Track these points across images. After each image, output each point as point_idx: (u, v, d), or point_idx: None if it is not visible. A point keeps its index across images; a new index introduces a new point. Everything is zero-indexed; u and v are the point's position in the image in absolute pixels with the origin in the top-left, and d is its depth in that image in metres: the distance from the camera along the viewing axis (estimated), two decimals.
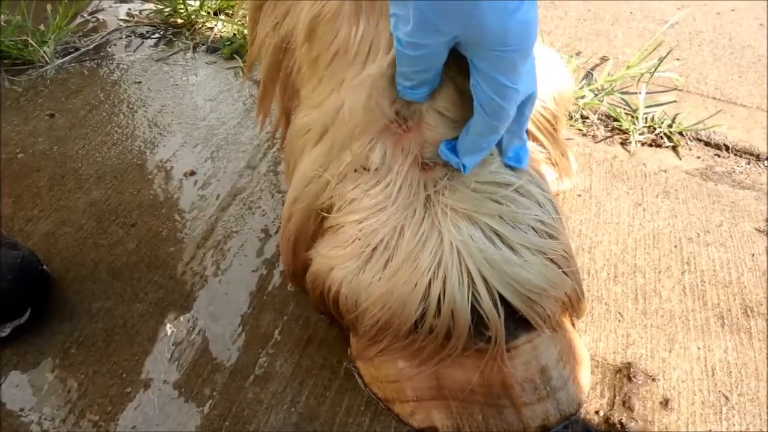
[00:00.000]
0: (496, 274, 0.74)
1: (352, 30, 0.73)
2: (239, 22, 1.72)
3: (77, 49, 1.66)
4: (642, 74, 1.47)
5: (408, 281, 0.74)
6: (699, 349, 0.94)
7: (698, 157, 1.31)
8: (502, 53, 0.67)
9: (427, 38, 0.66)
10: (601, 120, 1.39)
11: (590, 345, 0.94)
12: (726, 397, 0.88)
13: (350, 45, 0.74)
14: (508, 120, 0.73)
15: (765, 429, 0.85)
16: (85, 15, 1.83)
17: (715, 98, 1.47)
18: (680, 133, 1.35)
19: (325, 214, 0.82)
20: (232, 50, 1.63)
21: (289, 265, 0.92)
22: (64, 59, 1.62)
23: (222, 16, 1.79)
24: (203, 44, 1.69)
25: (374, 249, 0.76)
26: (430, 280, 0.73)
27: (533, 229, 0.78)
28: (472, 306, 0.74)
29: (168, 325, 0.97)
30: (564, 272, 0.79)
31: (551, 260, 0.78)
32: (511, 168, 0.80)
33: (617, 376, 0.90)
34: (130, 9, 1.86)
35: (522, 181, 0.79)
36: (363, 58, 0.74)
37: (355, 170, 0.78)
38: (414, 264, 0.74)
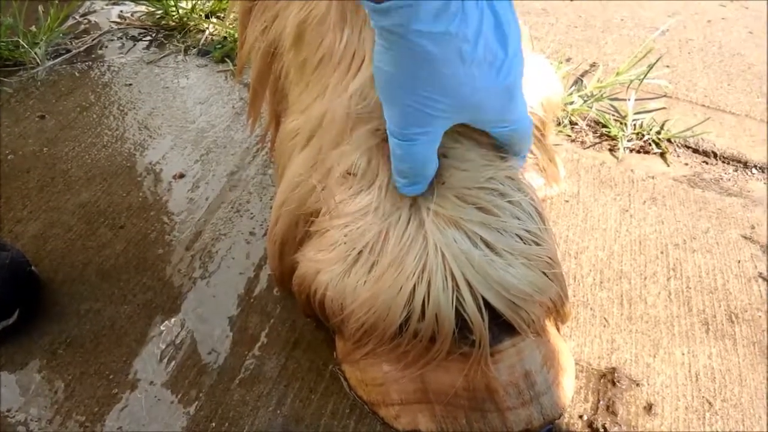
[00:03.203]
0: (480, 278, 0.74)
1: (337, 37, 0.74)
2: (230, 26, 1.72)
3: (68, 51, 1.66)
4: (631, 81, 1.48)
5: (393, 285, 0.74)
6: (683, 354, 0.95)
7: (686, 164, 1.31)
8: (493, 117, 0.75)
9: (422, 128, 0.71)
10: (589, 126, 1.40)
11: (575, 350, 0.94)
12: (709, 403, 0.89)
13: (335, 51, 0.75)
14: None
15: None
16: (77, 17, 1.84)
17: (703, 105, 1.48)
18: (668, 140, 1.36)
19: (312, 219, 0.82)
20: (223, 53, 1.64)
21: (276, 269, 0.92)
22: (55, 61, 1.62)
23: (213, 19, 1.79)
24: (194, 47, 1.69)
25: (360, 253, 0.76)
26: (414, 284, 0.74)
27: (518, 236, 0.78)
28: (457, 310, 0.75)
29: (156, 327, 0.98)
30: (548, 277, 0.80)
31: (535, 266, 0.78)
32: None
33: (601, 380, 0.91)
34: (121, 11, 1.86)
35: (508, 189, 0.80)
36: (347, 64, 0.74)
37: (342, 175, 0.78)
38: (399, 268, 0.74)
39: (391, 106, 0.71)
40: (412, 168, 0.74)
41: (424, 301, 0.74)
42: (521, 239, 0.78)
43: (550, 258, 0.80)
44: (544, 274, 0.79)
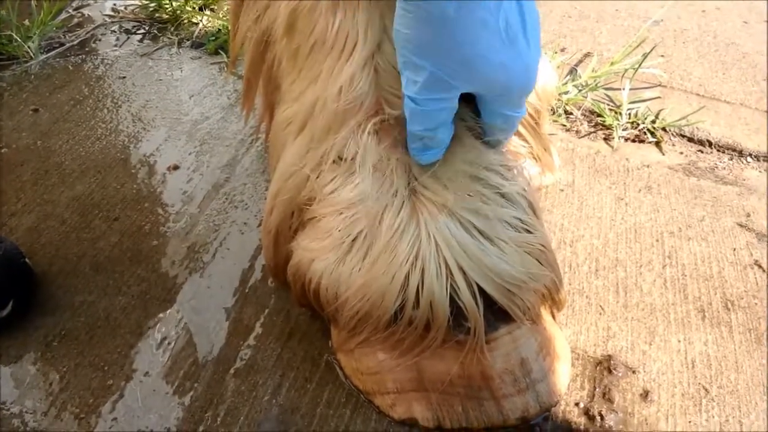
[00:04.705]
0: (474, 266, 0.74)
1: (329, 22, 0.74)
2: (224, 18, 1.72)
3: (62, 45, 1.66)
4: (626, 70, 1.47)
5: (386, 272, 0.74)
6: (679, 341, 0.94)
7: (681, 153, 1.31)
8: (510, 95, 0.74)
9: (439, 94, 0.71)
10: (584, 115, 1.39)
11: (571, 338, 0.94)
12: (706, 390, 0.88)
13: (327, 37, 0.75)
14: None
15: (744, 421, 0.85)
16: (70, 10, 1.83)
17: (698, 95, 1.48)
18: (663, 129, 1.36)
19: (306, 207, 0.82)
20: (217, 45, 1.63)
21: (271, 259, 0.92)
22: (49, 54, 1.62)
23: (207, 12, 1.79)
24: (188, 39, 1.69)
25: (353, 240, 0.77)
26: (408, 272, 0.74)
27: (510, 225, 0.78)
28: (451, 297, 0.75)
29: (150, 319, 0.97)
30: (542, 264, 0.80)
31: (529, 253, 0.78)
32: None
33: (597, 368, 0.90)
34: (115, 4, 1.86)
35: (501, 178, 0.80)
36: (339, 49, 0.75)
37: (333, 161, 0.78)
38: (392, 255, 0.74)
39: (409, 70, 0.71)
40: (427, 131, 0.74)
41: (418, 288, 0.74)
42: (514, 227, 0.78)
43: (543, 245, 0.81)
44: (538, 261, 0.79)
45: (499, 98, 0.75)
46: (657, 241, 1.10)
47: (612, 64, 1.49)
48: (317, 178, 0.80)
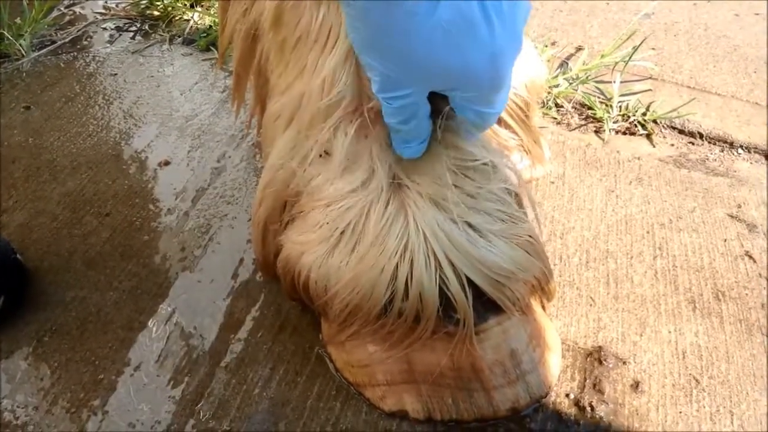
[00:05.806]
0: (462, 257, 0.74)
1: (314, 15, 0.74)
2: (215, 14, 1.72)
3: (53, 42, 1.66)
4: (616, 63, 1.47)
5: (375, 265, 0.74)
6: (670, 332, 0.95)
7: (672, 145, 1.31)
8: (479, 91, 0.70)
9: (395, 92, 0.69)
10: (575, 108, 1.39)
11: (561, 329, 0.94)
12: (696, 380, 0.89)
13: (311, 30, 0.75)
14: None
15: (735, 411, 0.86)
16: (62, 8, 1.83)
17: (689, 87, 1.48)
18: (654, 121, 1.36)
19: (293, 201, 0.82)
20: (208, 42, 1.63)
21: (260, 253, 0.92)
22: (41, 52, 1.62)
23: (198, 8, 1.79)
24: (179, 36, 1.69)
25: (342, 233, 0.76)
26: (397, 264, 0.74)
27: (498, 217, 0.78)
28: (440, 289, 0.75)
29: (142, 313, 0.98)
30: (531, 255, 0.80)
31: (517, 245, 0.78)
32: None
33: (588, 359, 0.91)
34: (106, 2, 1.86)
35: (489, 171, 0.80)
36: (323, 43, 0.75)
37: (320, 156, 0.78)
38: (381, 247, 0.74)
39: (366, 69, 0.70)
40: (400, 123, 0.73)
41: (407, 280, 0.74)
42: (501, 220, 0.78)
43: (531, 236, 0.80)
44: (527, 252, 0.79)
45: (468, 95, 0.70)
46: (648, 232, 1.10)
47: (602, 56, 1.49)
48: (304, 172, 0.80)
